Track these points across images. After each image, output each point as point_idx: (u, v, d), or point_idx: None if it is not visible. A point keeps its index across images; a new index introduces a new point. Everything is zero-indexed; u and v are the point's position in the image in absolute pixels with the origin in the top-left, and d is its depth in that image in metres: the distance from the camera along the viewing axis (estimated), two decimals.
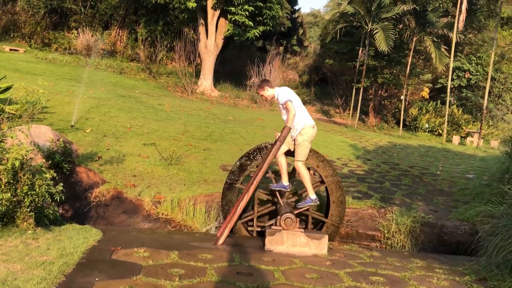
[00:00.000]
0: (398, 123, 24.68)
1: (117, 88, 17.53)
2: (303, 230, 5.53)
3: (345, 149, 12.78)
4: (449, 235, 7.17)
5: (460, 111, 25.54)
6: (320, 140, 13.77)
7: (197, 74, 23.10)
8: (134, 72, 24.22)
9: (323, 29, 31.26)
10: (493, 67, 26.54)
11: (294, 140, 6.07)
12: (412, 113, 24.92)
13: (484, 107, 20.24)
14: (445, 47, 20.26)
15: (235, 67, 30.37)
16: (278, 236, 5.49)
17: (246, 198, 5.70)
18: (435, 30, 19.70)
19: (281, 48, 39.16)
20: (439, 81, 29.02)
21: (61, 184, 5.80)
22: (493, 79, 27.54)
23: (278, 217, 5.55)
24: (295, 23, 39.28)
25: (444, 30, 19.45)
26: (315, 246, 5.51)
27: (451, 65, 20.80)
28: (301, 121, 6.02)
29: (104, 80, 19.22)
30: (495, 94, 27.15)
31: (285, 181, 6.24)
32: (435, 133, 23.59)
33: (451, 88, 26.97)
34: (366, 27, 20.02)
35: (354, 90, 21.86)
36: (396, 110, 25.24)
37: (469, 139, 20.81)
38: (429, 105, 25.92)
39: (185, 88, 21.93)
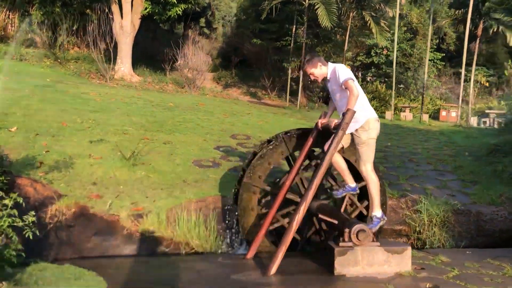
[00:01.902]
0: (327, 103, 24.30)
1: (24, 77, 14.65)
2: (379, 243, 4.21)
3: None
4: (489, 223, 6.32)
5: (384, 87, 25.86)
6: (277, 124, 12.52)
7: (111, 59, 20.52)
8: (37, 58, 20.92)
9: (241, 8, 29.87)
10: (407, 43, 27.21)
11: (352, 136, 4.74)
12: None
13: (425, 82, 20.38)
14: (384, 21, 19.98)
15: (147, 50, 27.87)
16: (350, 255, 4.13)
17: (303, 209, 4.22)
18: (372, 5, 19.26)
19: (191, 31, 37.15)
20: (358, 58, 29.23)
21: (33, 213, 3.86)
22: (409, 55, 28.33)
23: (346, 229, 4.17)
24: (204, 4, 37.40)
25: (381, 5, 19.10)
26: (397, 262, 4.24)
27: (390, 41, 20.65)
28: (365, 112, 4.69)
29: (2, 68, 16.11)
30: (412, 69, 27.93)
31: (350, 181, 4.91)
32: None
33: (369, 65, 27.24)
34: (304, 3, 18.96)
35: (289, 70, 20.86)
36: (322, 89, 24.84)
37: (402, 114, 20.93)
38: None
39: (101, 74, 19.32)
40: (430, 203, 6.50)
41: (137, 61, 24.22)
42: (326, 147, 4.94)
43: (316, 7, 18.05)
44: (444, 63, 30.89)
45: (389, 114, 20.83)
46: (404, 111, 21.66)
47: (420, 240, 6.34)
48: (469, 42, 22.08)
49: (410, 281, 4.01)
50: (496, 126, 20.82)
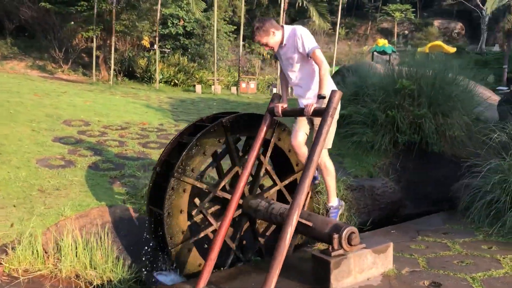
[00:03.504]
0: (128, 76, 22.60)
1: None
2: (364, 245, 3.66)
3: (149, 113, 10.33)
4: (382, 196, 6.48)
5: (186, 59, 25.35)
6: (109, 104, 10.76)
7: None
8: None
9: None
10: (203, 15, 27.18)
11: (311, 118, 3.95)
12: (141, 64, 23.18)
13: (240, 56, 20.40)
14: None
15: None
16: (344, 265, 3.48)
17: (296, 217, 3.31)
18: None
19: None
20: (154, 29, 27.94)
21: None
22: (205, 27, 28.35)
23: (334, 235, 3.48)
24: None
25: None
26: (382, 262, 3.78)
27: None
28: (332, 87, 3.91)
29: None
30: (209, 41, 28.06)
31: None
32: (171, 83, 22.70)
33: (166, 36, 26.33)
34: None
35: (94, 41, 18.39)
36: (124, 61, 22.90)
37: (213, 87, 20.85)
38: (155, 55, 24.63)
39: None
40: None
41: None
42: (294, 139, 4.11)
43: None
44: (236, 36, 32.00)
45: (199, 88, 20.50)
46: (214, 84, 21.63)
47: None
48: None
49: (405, 281, 3.61)
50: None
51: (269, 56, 40.50)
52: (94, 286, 4.29)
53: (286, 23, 22.74)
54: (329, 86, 3.82)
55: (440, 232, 5.13)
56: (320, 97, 3.70)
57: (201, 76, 23.40)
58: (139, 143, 7.51)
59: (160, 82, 22.25)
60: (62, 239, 4.42)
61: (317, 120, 3.97)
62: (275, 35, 3.92)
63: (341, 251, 3.50)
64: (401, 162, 7.55)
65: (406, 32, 44.85)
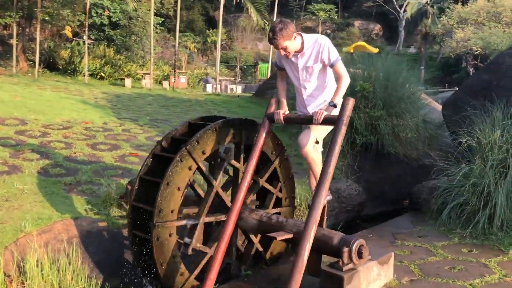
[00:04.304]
0: (49, 68, 21.03)
1: None
2: (370, 256, 3.56)
3: (88, 110, 9.56)
4: (348, 198, 6.46)
5: (112, 51, 24.08)
6: (39, 99, 9.81)
7: None
8: None
9: None
10: (132, 7, 26.05)
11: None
12: (64, 56, 21.64)
13: (176, 47, 19.64)
14: None
15: None
16: (355, 280, 3.35)
17: (312, 234, 3.09)
18: None
19: None
20: (77, 18, 26.24)
21: None
22: (132, 18, 27.15)
23: (344, 248, 3.34)
24: None
25: None
26: (385, 273, 3.70)
27: None
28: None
29: None
30: (136, 33, 26.93)
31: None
32: (97, 76, 21.42)
33: (90, 26, 24.88)
34: None
35: (14, 29, 16.77)
36: (43, 53, 21.21)
37: (143, 81, 20.00)
38: (79, 46, 23.19)
39: None
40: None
41: None
42: (302, 142, 3.84)
43: None
44: (163, 28, 31.07)
45: (128, 82, 19.55)
46: (144, 78, 20.71)
47: None
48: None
49: None
50: (233, 92, 22.28)
51: (196, 50, 39.89)
52: None
53: (223, 18, 22.34)
54: (342, 97, 3.68)
55: (415, 236, 5.20)
56: (332, 104, 3.55)
57: (129, 70, 22.31)
58: (87, 145, 6.90)
59: (84, 75, 20.94)
60: (25, 260, 3.87)
61: (316, 128, 3.83)
62: (296, 40, 3.70)
63: (351, 265, 3.36)
64: (359, 163, 7.64)
65: (329, 31, 46.20)
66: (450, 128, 8.17)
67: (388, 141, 7.76)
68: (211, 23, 42.76)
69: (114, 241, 4.57)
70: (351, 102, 3.36)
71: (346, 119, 3.30)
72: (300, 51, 3.75)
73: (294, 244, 3.93)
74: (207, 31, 41.44)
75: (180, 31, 41.81)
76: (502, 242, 4.69)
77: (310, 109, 3.89)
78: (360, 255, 3.39)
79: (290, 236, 3.61)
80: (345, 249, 3.34)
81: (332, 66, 3.69)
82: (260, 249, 4.51)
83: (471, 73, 24.65)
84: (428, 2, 32.86)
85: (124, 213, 4.93)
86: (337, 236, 3.50)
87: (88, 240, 4.40)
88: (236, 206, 3.55)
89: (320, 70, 3.81)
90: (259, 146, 3.67)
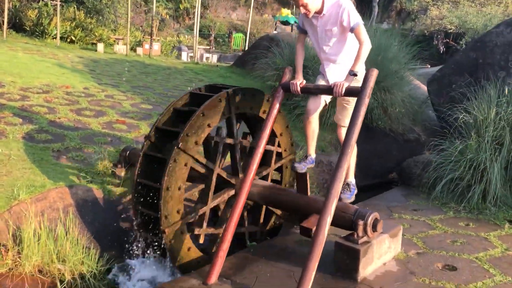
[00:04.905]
0: (15, 29, 19.99)
1: None
2: (382, 230, 3.55)
3: (67, 74, 9.11)
4: None
5: (82, 14, 23.07)
6: (16, 62, 9.27)
7: None
8: None
9: None
10: None
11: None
12: (31, 17, 20.58)
13: (154, 11, 18.92)
14: None
15: None
16: (369, 252, 3.33)
17: (332, 211, 3.03)
18: None
19: None
20: None
21: None
22: None
23: (359, 221, 3.30)
24: None
25: None
26: (394, 246, 3.70)
27: None
28: (363, 63, 3.63)
29: None
30: None
31: (313, 152, 3.94)
32: (67, 40, 20.54)
33: None
34: None
35: None
36: (8, 13, 20.07)
37: (117, 46, 19.31)
38: (47, 7, 22.02)
39: None
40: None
41: None
42: (311, 107, 3.73)
43: None
44: None
45: (101, 47, 18.82)
46: (118, 44, 19.98)
47: None
48: None
49: (420, 264, 3.58)
50: (209, 61, 21.80)
51: (167, 16, 38.77)
52: (65, 282, 3.66)
53: None
54: (363, 64, 3.58)
55: (410, 209, 5.26)
56: (352, 73, 3.43)
57: (101, 34, 21.46)
58: (71, 110, 6.60)
59: (54, 38, 20.02)
60: (21, 229, 3.68)
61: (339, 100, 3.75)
62: None
63: (365, 238, 3.34)
64: None
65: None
66: (435, 104, 8.27)
67: (376, 115, 7.77)
68: None
69: (110, 210, 4.41)
70: (375, 73, 3.26)
71: (369, 91, 3.22)
72: (320, 12, 3.59)
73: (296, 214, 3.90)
74: None
75: None
76: (497, 216, 4.79)
77: (330, 75, 3.77)
78: (374, 228, 3.36)
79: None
80: (360, 222, 3.31)
81: (352, 30, 3.54)
82: (261, 220, 4.47)
83: (441, 51, 25.00)
84: None
85: (118, 181, 4.76)
86: (351, 209, 3.46)
87: (84, 210, 4.23)
88: (248, 179, 3.45)
89: (341, 34, 3.65)
90: (272, 118, 3.56)
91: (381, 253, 3.48)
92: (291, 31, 25.78)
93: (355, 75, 3.43)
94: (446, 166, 5.46)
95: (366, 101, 3.21)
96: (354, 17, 3.52)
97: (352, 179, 4.04)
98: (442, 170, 5.49)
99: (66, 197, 4.20)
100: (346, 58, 3.72)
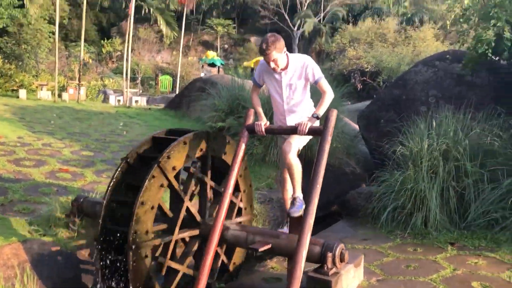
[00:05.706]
0: None
1: None
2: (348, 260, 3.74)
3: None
4: (282, 207, 6.66)
5: (0, 59, 22.07)
6: None
7: None
8: None
9: None
10: (21, 12, 24.31)
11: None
12: None
13: (81, 59, 18.45)
14: None
15: None
16: (339, 283, 3.50)
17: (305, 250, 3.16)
18: None
19: None
20: None
21: None
22: (23, 25, 25.18)
23: (328, 253, 3.48)
24: None
25: None
26: (358, 274, 3.90)
27: None
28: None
29: None
30: (27, 41, 24.99)
31: (300, 192, 4.09)
32: None
33: None
34: None
35: None
36: None
37: (41, 93, 18.60)
38: None
39: None
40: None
41: None
42: (286, 150, 3.88)
43: None
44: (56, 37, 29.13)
45: (23, 93, 18.05)
46: (42, 90, 19.24)
47: None
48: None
49: None
50: (138, 104, 21.46)
51: (90, 60, 38.01)
52: None
53: (120, 29, 21.59)
54: (325, 109, 3.85)
55: (359, 239, 5.54)
56: (315, 116, 3.74)
57: (23, 80, 20.62)
58: (9, 161, 6.30)
59: None
60: None
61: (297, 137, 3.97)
62: (283, 55, 3.78)
63: (335, 269, 3.51)
64: None
65: (226, 46, 47.04)
66: (366, 139, 8.86)
67: (314, 151, 8.14)
68: (105, 33, 41.33)
69: (68, 264, 4.24)
70: (335, 113, 3.55)
71: (331, 130, 3.48)
72: (285, 68, 3.88)
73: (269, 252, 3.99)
74: (102, 41, 39.93)
75: (71, 41, 39.64)
76: (439, 240, 5.19)
77: (289, 121, 4.02)
78: (342, 259, 3.55)
79: (269, 246, 3.67)
80: (329, 254, 3.49)
81: (316, 82, 3.86)
82: (226, 261, 4.49)
83: (358, 88, 26.56)
84: (321, 21, 35.05)
85: (73, 234, 4.60)
86: (318, 242, 3.63)
87: (41, 264, 4.04)
88: (219, 220, 3.52)
89: (303, 87, 3.97)
90: (239, 158, 3.69)
91: (348, 282, 3.67)
92: (218, 72, 26.34)
93: (318, 118, 3.74)
94: (388, 196, 5.85)
95: (329, 139, 3.47)
96: (317, 72, 3.88)
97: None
98: (385, 200, 5.87)
99: (20, 253, 3.99)
100: (305, 106, 4.05)
